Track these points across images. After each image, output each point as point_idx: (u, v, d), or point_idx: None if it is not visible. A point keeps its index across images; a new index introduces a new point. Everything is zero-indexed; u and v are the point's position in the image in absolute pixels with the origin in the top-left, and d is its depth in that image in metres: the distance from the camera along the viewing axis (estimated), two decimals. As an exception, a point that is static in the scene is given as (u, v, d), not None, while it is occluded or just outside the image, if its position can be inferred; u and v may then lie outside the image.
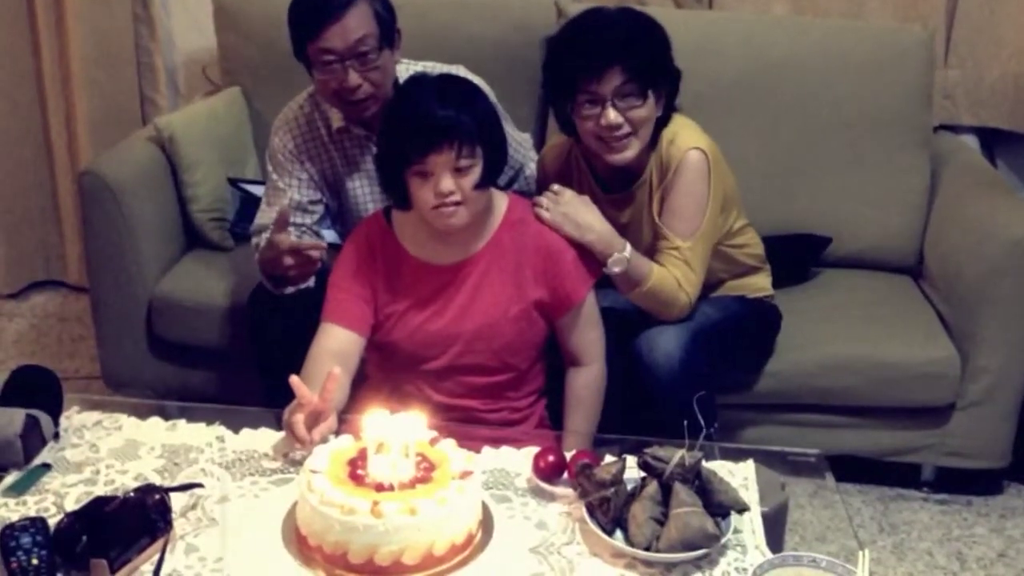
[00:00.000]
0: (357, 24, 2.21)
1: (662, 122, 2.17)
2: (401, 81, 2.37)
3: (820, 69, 2.80)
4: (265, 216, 2.40)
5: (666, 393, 2.10)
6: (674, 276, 2.12)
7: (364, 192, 2.44)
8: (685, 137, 2.17)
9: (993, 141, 3.11)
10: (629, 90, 2.07)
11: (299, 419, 1.76)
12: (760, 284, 2.41)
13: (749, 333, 2.40)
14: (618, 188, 2.22)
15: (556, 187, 2.13)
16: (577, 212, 2.09)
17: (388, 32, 2.28)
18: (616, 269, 2.09)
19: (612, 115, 2.08)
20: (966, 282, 2.51)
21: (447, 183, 1.91)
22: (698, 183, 2.15)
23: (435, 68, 2.40)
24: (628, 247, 2.10)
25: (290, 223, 2.33)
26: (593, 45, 2.08)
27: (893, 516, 2.56)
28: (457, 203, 1.93)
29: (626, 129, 2.10)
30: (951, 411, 2.54)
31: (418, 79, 2.05)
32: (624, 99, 2.08)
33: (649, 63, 2.09)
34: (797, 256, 2.72)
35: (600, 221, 2.10)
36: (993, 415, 2.53)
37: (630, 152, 2.12)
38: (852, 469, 2.58)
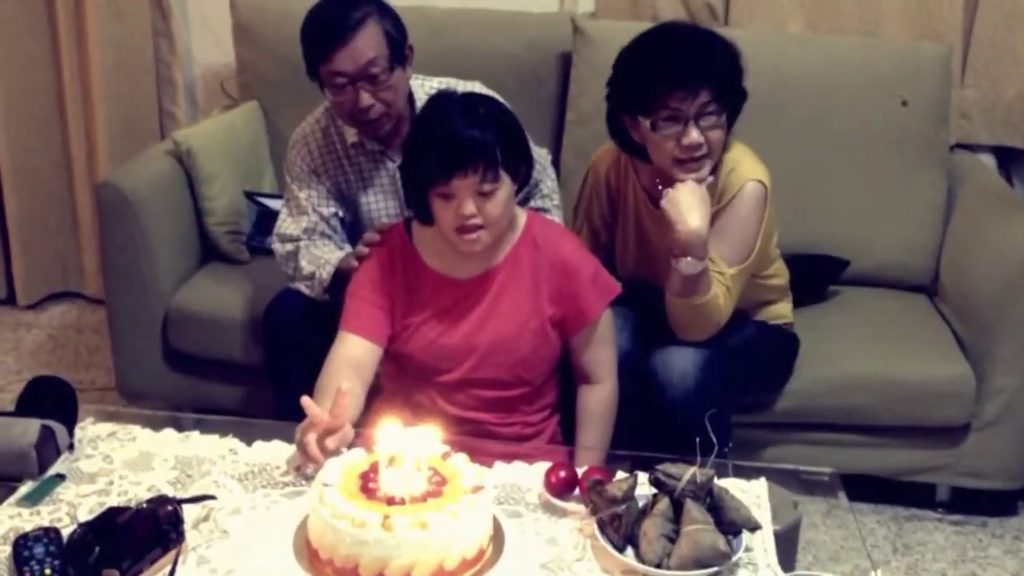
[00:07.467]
0: (366, 46, 2.22)
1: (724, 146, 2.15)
2: (416, 98, 2.39)
3: (835, 86, 2.80)
4: (288, 226, 2.41)
5: (680, 412, 2.09)
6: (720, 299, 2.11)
7: (378, 207, 2.45)
8: (747, 166, 2.16)
9: (1010, 160, 3.09)
10: (711, 110, 2.06)
11: (311, 439, 1.76)
12: (780, 311, 2.40)
13: (766, 359, 2.40)
14: None
15: (688, 181, 2.07)
16: (685, 202, 2.03)
17: (398, 51, 2.29)
18: (687, 271, 2.04)
19: (695, 134, 2.06)
20: (982, 301, 2.50)
21: (469, 207, 1.91)
22: (754, 214, 2.15)
23: (449, 84, 2.41)
24: (707, 260, 2.06)
25: (324, 234, 2.37)
26: (682, 61, 2.06)
27: (907, 536, 2.55)
28: (479, 227, 1.93)
29: (704, 150, 2.08)
30: (966, 431, 2.52)
31: (445, 97, 2.02)
32: (705, 118, 2.06)
33: (730, 84, 2.09)
34: (815, 278, 2.70)
35: (702, 223, 2.03)
36: (1009, 435, 2.51)
37: (704, 172, 2.10)
38: (866, 489, 2.56)
